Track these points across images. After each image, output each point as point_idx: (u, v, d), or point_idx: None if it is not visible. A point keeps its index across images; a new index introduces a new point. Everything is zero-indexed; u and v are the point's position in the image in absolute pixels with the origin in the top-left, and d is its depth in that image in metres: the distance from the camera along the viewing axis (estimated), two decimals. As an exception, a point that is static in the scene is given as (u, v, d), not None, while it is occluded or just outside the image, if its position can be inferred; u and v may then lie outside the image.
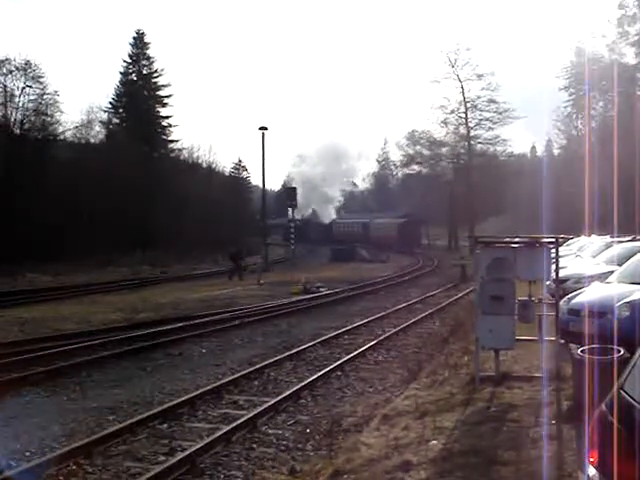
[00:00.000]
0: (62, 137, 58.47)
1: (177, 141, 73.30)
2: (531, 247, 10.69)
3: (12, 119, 52.81)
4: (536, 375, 10.48)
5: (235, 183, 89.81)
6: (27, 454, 9.31)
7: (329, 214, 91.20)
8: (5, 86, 52.68)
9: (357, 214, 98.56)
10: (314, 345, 17.85)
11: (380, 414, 10.35)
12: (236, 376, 13.95)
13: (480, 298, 10.76)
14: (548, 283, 12.56)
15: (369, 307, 26.62)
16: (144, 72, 70.44)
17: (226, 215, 68.86)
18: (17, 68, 52.89)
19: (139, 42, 69.90)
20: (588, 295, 12.77)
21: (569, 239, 30.11)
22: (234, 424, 10.32)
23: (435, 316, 24.02)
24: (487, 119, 74.52)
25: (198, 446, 9.28)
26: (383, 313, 24.14)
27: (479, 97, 74.31)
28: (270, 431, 10.50)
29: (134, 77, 70.66)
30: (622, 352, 8.08)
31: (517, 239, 12.06)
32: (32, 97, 54.14)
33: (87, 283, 36.63)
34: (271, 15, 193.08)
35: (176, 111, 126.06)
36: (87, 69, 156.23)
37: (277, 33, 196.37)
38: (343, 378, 14.34)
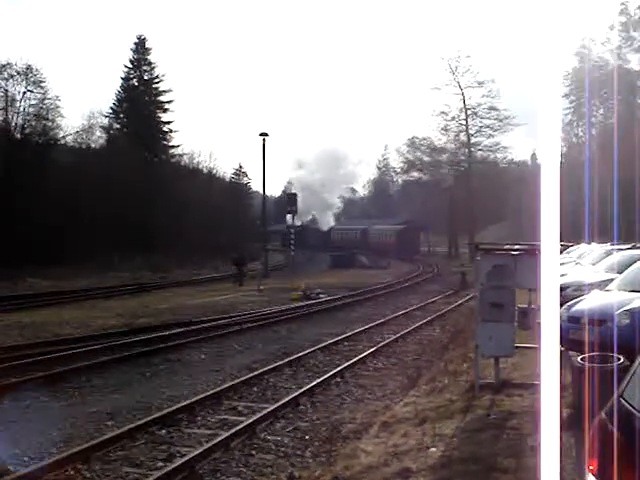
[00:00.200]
0: (63, 142, 58.62)
1: (178, 146, 73.52)
2: (531, 254, 10.69)
3: (13, 123, 52.93)
4: (536, 382, 10.47)
5: (235, 189, 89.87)
6: (25, 459, 9.29)
7: (328, 221, 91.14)
8: (6, 91, 52.85)
9: (356, 220, 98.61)
10: (314, 351, 17.83)
11: (379, 421, 10.35)
12: (235, 382, 13.92)
13: (480, 305, 10.76)
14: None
15: (369, 314, 26.61)
16: (145, 77, 70.56)
17: (226, 221, 68.93)
18: (18, 73, 53.06)
19: (140, 47, 70.02)
20: (588, 303, 12.75)
21: (569, 246, 30.14)
22: (233, 430, 10.30)
23: (435, 323, 24.01)
24: (487, 126, 74.59)
25: (197, 452, 9.26)
26: (383, 320, 24.12)
27: (480, 104, 74.41)
28: (269, 437, 10.48)
29: (135, 82, 70.76)
30: (622, 360, 8.07)
31: (517, 246, 12.06)
32: (33, 102, 54.34)
33: (87, 288, 36.61)
34: (272, 20, 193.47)
35: (177, 117, 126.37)
36: (88, 74, 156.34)
37: (278, 38, 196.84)
38: (342, 385, 14.32)
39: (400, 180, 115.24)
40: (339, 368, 15.44)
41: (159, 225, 57.58)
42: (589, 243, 29.54)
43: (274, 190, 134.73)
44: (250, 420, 10.87)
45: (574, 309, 12.68)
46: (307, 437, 10.57)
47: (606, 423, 4.06)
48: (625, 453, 3.67)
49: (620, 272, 15.26)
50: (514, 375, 11.56)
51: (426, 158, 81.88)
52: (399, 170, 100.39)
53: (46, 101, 54.86)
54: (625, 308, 11.59)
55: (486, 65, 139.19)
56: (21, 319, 23.61)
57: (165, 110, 71.63)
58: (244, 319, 23.70)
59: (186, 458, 9.02)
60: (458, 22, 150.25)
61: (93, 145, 63.14)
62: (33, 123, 54.29)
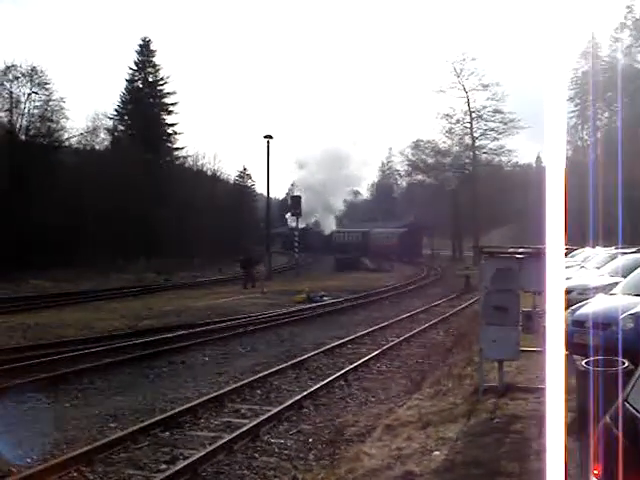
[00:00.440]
0: (67, 144, 58.58)
1: (182, 149, 73.49)
2: (536, 257, 10.65)
3: (18, 125, 52.93)
4: (540, 386, 10.44)
5: (239, 191, 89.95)
6: (28, 460, 9.28)
7: (330, 224, 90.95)
8: (11, 92, 52.83)
9: (358, 223, 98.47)
10: (317, 354, 17.81)
11: (383, 424, 10.32)
12: (239, 384, 13.91)
13: (484, 308, 10.73)
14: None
15: (373, 316, 26.58)
16: (150, 79, 70.59)
17: (230, 223, 68.95)
18: (23, 74, 53.04)
19: (145, 49, 70.07)
20: (592, 306, 12.72)
21: (574, 250, 30.07)
22: (236, 433, 10.29)
23: (439, 326, 23.97)
24: (492, 129, 74.63)
25: (200, 454, 9.25)
26: (387, 323, 24.08)
27: (484, 107, 74.47)
28: (272, 440, 10.47)
29: (140, 84, 70.79)
30: (626, 364, 8.03)
31: (522, 249, 12.03)
32: (38, 103, 54.27)
33: (91, 290, 36.63)
34: (276, 23, 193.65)
35: (181, 119, 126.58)
36: (93, 76, 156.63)
37: (282, 40, 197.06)
38: (346, 388, 14.30)
39: (404, 183, 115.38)
40: (342, 371, 15.42)
41: (163, 227, 57.61)
42: (594, 246, 29.52)
43: (278, 192, 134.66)
44: (253, 423, 10.86)
45: (578, 313, 12.65)
46: (310, 440, 10.55)
47: (611, 427, 4.04)
48: (630, 457, 3.65)
49: (625, 276, 15.24)
50: (518, 379, 11.53)
51: (430, 161, 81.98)
52: (403, 173, 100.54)
53: (51, 103, 54.87)
54: (630, 312, 11.56)
55: (491, 68, 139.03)
56: (24, 320, 23.61)
57: (169, 112, 71.70)
58: (248, 321, 23.69)
59: (189, 460, 9.01)
60: (463, 24, 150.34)
61: (97, 147, 63.22)
62: (38, 125, 54.30)
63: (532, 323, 10.66)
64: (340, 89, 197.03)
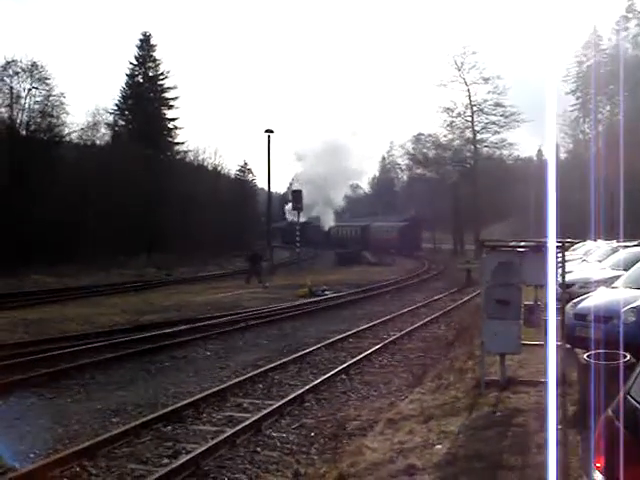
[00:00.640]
0: (68, 139, 58.50)
1: (183, 143, 73.51)
2: (537, 251, 10.64)
3: (18, 120, 52.88)
4: (542, 380, 10.43)
5: (241, 186, 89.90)
6: (31, 455, 9.30)
7: (329, 218, 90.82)
8: (11, 87, 52.77)
9: (358, 217, 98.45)
10: (319, 348, 17.81)
11: (385, 418, 10.33)
12: (241, 379, 13.93)
13: (486, 302, 10.72)
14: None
15: (374, 311, 26.59)
16: (150, 74, 70.54)
17: (231, 218, 68.93)
18: (23, 70, 52.98)
19: (145, 44, 70.01)
20: (594, 300, 12.71)
21: (575, 243, 30.05)
22: (238, 427, 10.30)
23: (440, 320, 23.98)
24: (493, 123, 74.54)
25: (202, 449, 9.26)
26: (388, 317, 24.09)
27: (485, 100, 74.36)
28: (274, 434, 10.48)
29: (140, 79, 70.76)
30: (628, 357, 8.05)
31: (523, 243, 12.02)
32: (38, 99, 54.20)
33: (92, 285, 36.64)
34: (276, 16, 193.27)
35: (182, 113, 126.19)
36: (93, 71, 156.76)
37: (282, 33, 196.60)
38: (348, 382, 14.31)
39: (405, 177, 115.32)
40: (344, 365, 15.42)
41: (164, 222, 57.62)
42: (595, 240, 29.50)
43: (279, 187, 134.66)
44: (255, 417, 10.87)
45: (580, 306, 12.65)
46: (312, 434, 10.56)
47: (613, 420, 4.04)
48: (632, 450, 3.65)
49: (626, 269, 15.23)
50: (520, 372, 11.53)
51: (431, 154, 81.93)
52: (404, 167, 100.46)
53: (51, 98, 54.79)
54: (631, 305, 11.56)
55: (492, 61, 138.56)
56: (26, 316, 23.64)
57: (170, 107, 71.67)
58: (249, 316, 23.69)
59: (192, 455, 9.03)
60: (464, 18, 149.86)
61: (98, 142, 63.10)
62: (38, 120, 54.22)
63: (534, 317, 10.66)
64: (340, 83, 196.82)
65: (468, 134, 75.62)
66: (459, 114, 75.70)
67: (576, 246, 28.51)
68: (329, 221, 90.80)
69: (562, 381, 9.93)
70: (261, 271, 40.91)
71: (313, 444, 10.07)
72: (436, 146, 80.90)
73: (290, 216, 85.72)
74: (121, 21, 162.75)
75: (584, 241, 30.19)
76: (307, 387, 13.19)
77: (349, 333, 20.31)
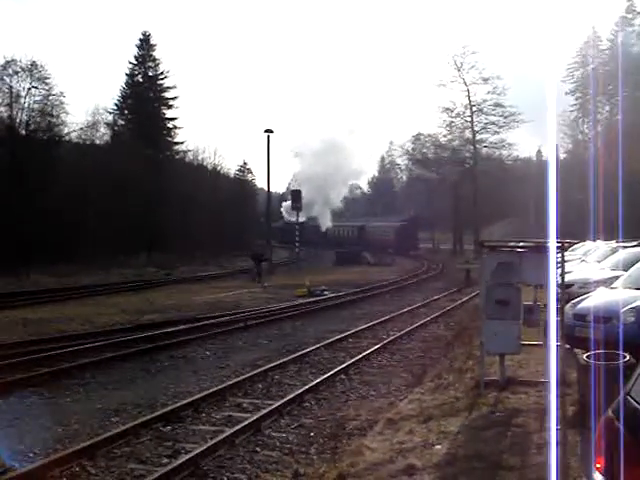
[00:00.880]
0: (67, 138, 58.40)
1: (182, 143, 73.36)
2: (537, 251, 10.64)
3: (18, 120, 52.76)
4: (541, 380, 10.44)
5: (240, 186, 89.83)
6: (31, 455, 9.31)
7: (326, 218, 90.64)
8: (11, 87, 52.62)
9: (357, 217, 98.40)
10: (318, 348, 17.83)
11: (384, 418, 10.34)
12: (240, 379, 13.94)
13: (485, 302, 10.72)
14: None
15: (373, 310, 26.60)
16: (150, 74, 70.47)
17: (231, 218, 68.90)
18: (23, 69, 52.83)
19: (145, 44, 69.94)
20: (593, 300, 12.72)
21: (575, 244, 30.04)
22: (238, 427, 10.31)
23: (440, 320, 23.99)
24: (493, 123, 74.59)
25: (202, 449, 9.27)
26: (387, 317, 24.10)
27: (485, 101, 74.42)
28: (274, 434, 10.49)
29: (140, 79, 70.67)
30: (628, 358, 8.06)
31: (522, 243, 12.02)
32: (38, 98, 54.02)
33: (91, 284, 36.61)
34: (275, 16, 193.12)
35: (181, 113, 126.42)
36: (93, 70, 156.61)
37: (281, 32, 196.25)
38: (347, 382, 14.32)
39: (405, 177, 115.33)
40: (343, 365, 15.43)
41: (164, 222, 57.56)
42: (594, 240, 29.49)
43: (278, 186, 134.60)
44: (255, 417, 10.88)
45: (580, 306, 12.65)
46: (312, 434, 10.57)
47: (613, 421, 4.05)
48: (632, 451, 3.66)
49: (626, 269, 15.24)
50: (520, 372, 11.54)
51: (431, 155, 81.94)
52: (403, 167, 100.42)
53: (51, 97, 54.65)
54: (631, 305, 11.57)
55: (492, 62, 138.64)
56: (26, 315, 23.66)
57: (170, 106, 71.58)
58: (249, 316, 23.68)
59: (191, 454, 9.04)
60: (464, 18, 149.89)
61: (98, 141, 63.01)
62: (38, 119, 54.11)
63: (533, 317, 10.66)
64: (339, 82, 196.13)
65: (467, 134, 75.70)
66: (458, 114, 75.83)
67: (575, 246, 28.52)
68: (327, 221, 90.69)
69: (562, 381, 9.95)
70: (261, 271, 40.91)
71: (312, 444, 10.08)
72: (435, 146, 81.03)
73: (287, 215, 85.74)
74: (121, 21, 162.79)
75: (583, 241, 30.20)
76: (306, 387, 13.20)
77: (348, 333, 20.32)
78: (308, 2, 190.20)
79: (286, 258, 63.95)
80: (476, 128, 74.63)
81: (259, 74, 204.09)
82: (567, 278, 12.82)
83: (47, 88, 54.37)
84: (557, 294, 10.68)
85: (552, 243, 9.65)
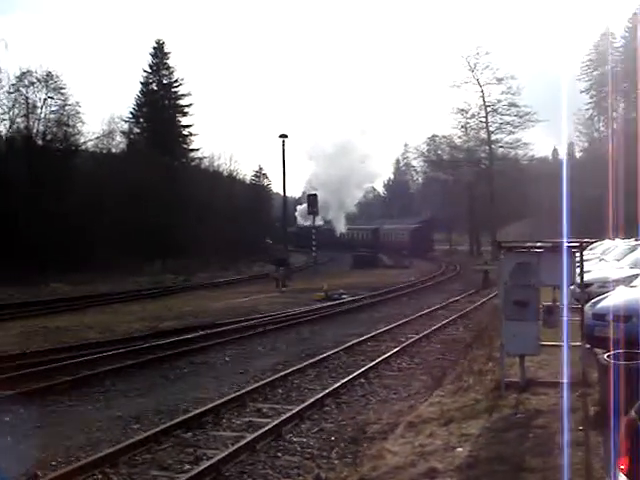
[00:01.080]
0: (84, 148, 58.82)
1: (198, 150, 73.54)
2: (554, 252, 10.58)
3: (34, 130, 53.23)
4: (562, 381, 10.38)
5: (256, 191, 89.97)
6: (53, 464, 9.35)
7: (341, 222, 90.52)
8: (27, 98, 53.10)
9: (372, 220, 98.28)
10: (337, 352, 17.81)
11: (405, 421, 10.31)
12: (260, 384, 13.95)
13: (504, 303, 10.68)
14: (572, 287, 12.43)
15: (392, 313, 26.56)
16: (164, 82, 70.73)
17: (248, 223, 68.99)
18: (38, 80, 53.31)
19: (159, 52, 70.22)
20: (613, 299, 12.64)
21: (593, 243, 29.86)
22: (259, 432, 10.32)
23: (458, 322, 23.93)
24: (508, 123, 74.22)
25: (223, 454, 9.29)
26: (406, 319, 24.07)
27: (499, 101, 74.11)
28: (295, 439, 10.49)
29: (154, 87, 70.93)
30: (649, 357, 8.00)
31: (540, 244, 11.96)
32: (54, 108, 54.53)
33: (110, 292, 36.79)
34: (289, 22, 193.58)
35: (196, 120, 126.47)
36: (108, 79, 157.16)
37: (294, 36, 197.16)
38: (367, 385, 14.31)
39: (420, 179, 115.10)
40: (363, 369, 15.41)
41: (181, 228, 57.70)
42: (613, 238, 29.28)
43: (293, 190, 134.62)
44: (275, 422, 10.89)
45: (599, 306, 12.57)
46: (333, 438, 10.56)
47: (636, 421, 4.01)
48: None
49: (645, 268, 15.14)
50: (540, 373, 11.47)
51: (446, 156, 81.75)
52: (419, 169, 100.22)
53: (67, 107, 55.15)
54: (651, 304, 11.48)
55: (505, 62, 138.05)
56: (45, 324, 23.80)
57: (185, 114, 71.81)
58: (267, 321, 23.72)
59: (213, 461, 9.05)
60: (477, 18, 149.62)
61: (114, 150, 63.40)
62: (54, 129, 54.54)
63: (552, 317, 10.61)
64: (353, 85, 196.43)
65: (483, 135, 75.43)
66: (473, 115, 75.64)
67: (593, 245, 28.35)
68: (341, 225, 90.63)
69: (583, 382, 9.89)
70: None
71: (334, 448, 10.07)
72: (451, 147, 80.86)
73: (301, 219, 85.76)
74: (135, 29, 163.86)
75: (601, 240, 30.00)
76: (326, 391, 13.19)
77: (367, 336, 20.30)
78: (321, 5, 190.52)
79: (303, 262, 64.00)
80: (491, 128, 74.39)
81: (272, 77, 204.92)
82: (586, 277, 12.75)
83: (63, 98, 54.91)
84: (576, 294, 10.63)
85: (569, 243, 9.61)
